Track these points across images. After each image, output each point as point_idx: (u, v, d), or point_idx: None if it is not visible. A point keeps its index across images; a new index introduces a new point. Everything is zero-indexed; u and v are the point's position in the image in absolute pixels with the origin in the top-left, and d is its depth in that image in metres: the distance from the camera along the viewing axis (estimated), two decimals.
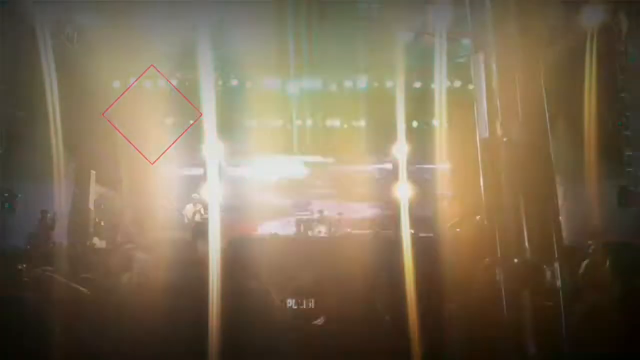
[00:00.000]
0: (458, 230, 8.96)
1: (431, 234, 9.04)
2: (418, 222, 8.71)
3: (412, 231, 7.60)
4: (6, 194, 8.62)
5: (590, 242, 6.53)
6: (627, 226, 7.99)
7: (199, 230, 9.45)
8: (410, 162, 9.88)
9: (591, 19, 8.66)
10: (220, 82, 11.48)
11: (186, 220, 10.33)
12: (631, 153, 8.78)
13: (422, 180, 11.33)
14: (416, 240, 7.83)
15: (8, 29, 8.39)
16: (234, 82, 11.63)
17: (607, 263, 3.08)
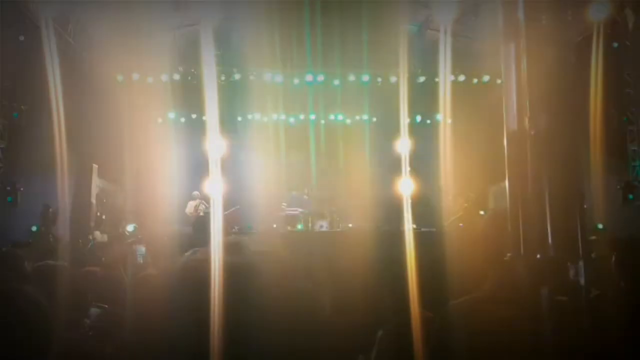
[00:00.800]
0: (461, 225, 8.91)
1: (433, 229, 8.98)
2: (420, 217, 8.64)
3: (414, 226, 7.56)
4: (8, 187, 8.62)
5: (594, 237, 6.50)
6: (631, 221, 7.94)
7: (201, 224, 9.44)
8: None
9: (597, 13, 8.59)
10: (222, 77, 11.46)
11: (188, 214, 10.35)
12: (636, 148, 8.73)
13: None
14: (418, 235, 7.79)
15: (10, 24, 8.38)
16: (237, 77, 11.62)
17: (612, 258, 3.05)
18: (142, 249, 6.64)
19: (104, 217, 9.67)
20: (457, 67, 10.96)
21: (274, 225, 10.66)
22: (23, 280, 3.38)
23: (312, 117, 12.39)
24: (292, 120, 12.38)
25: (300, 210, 10.90)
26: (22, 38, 8.84)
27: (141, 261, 6.25)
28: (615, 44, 8.88)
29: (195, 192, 10.31)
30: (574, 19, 8.07)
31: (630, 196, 8.24)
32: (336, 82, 11.77)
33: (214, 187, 8.24)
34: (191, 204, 10.44)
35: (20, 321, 2.93)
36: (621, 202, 8.29)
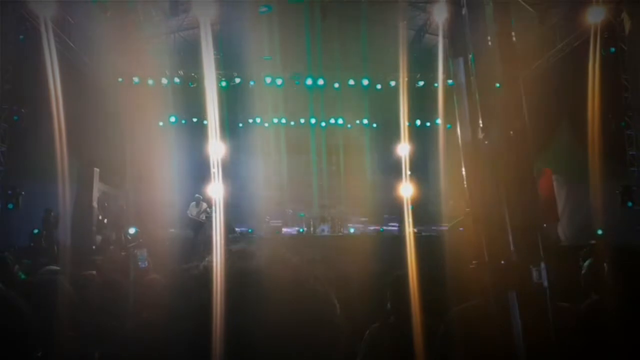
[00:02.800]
0: (461, 229, 8.95)
1: (434, 233, 9.04)
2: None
3: (415, 230, 7.61)
4: (9, 192, 8.62)
5: (593, 241, 6.54)
6: (630, 225, 7.97)
7: (202, 227, 9.46)
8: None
9: (594, 18, 8.65)
10: (223, 80, 11.51)
11: (190, 217, 10.38)
12: (634, 153, 8.76)
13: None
14: (419, 239, 7.84)
15: (11, 28, 8.40)
16: (237, 80, 11.67)
17: (610, 262, 3.09)
18: (143, 253, 6.65)
19: (105, 221, 9.68)
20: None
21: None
22: (10, 285, 3.39)
23: (313, 120, 12.46)
24: (292, 124, 12.43)
25: (281, 222, 11.18)
26: (21, 38, 8.85)
27: (143, 266, 6.27)
28: (612, 49, 8.94)
29: (198, 195, 10.35)
30: (559, 24, 8.11)
31: (630, 203, 8.24)
32: (336, 86, 11.83)
33: (216, 190, 8.28)
34: (193, 206, 10.47)
35: (20, 326, 2.95)
36: (620, 207, 8.32)
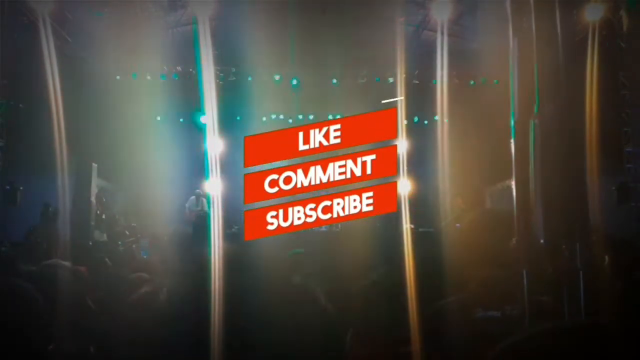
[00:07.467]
0: (458, 225, 8.98)
1: (431, 229, 9.05)
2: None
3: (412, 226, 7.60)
4: (7, 187, 8.62)
5: (593, 238, 6.56)
6: (626, 222, 8.03)
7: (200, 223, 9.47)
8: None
9: (593, 16, 8.67)
10: (221, 76, 11.50)
11: (188, 213, 10.40)
12: (631, 149, 8.80)
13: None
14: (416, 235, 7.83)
15: (9, 22, 8.38)
16: (235, 76, 11.66)
17: (606, 259, 3.12)
18: (146, 244, 6.69)
19: (103, 216, 9.69)
20: (454, 68, 11.02)
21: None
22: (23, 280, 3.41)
23: (311, 117, 12.44)
24: (290, 120, 12.41)
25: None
26: (19, 33, 8.84)
27: (145, 256, 6.30)
28: (611, 46, 8.96)
29: (198, 190, 10.39)
30: (568, 19, 8.14)
31: (625, 200, 8.28)
32: (334, 82, 11.84)
33: (214, 186, 8.30)
34: (192, 200, 10.53)
35: (19, 321, 2.97)
36: (616, 204, 8.36)
